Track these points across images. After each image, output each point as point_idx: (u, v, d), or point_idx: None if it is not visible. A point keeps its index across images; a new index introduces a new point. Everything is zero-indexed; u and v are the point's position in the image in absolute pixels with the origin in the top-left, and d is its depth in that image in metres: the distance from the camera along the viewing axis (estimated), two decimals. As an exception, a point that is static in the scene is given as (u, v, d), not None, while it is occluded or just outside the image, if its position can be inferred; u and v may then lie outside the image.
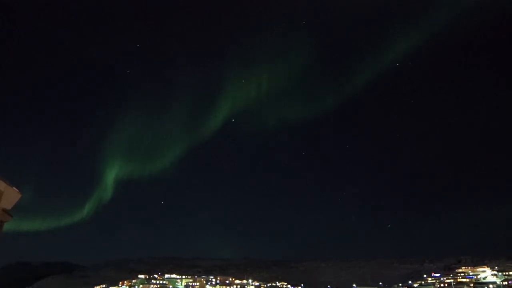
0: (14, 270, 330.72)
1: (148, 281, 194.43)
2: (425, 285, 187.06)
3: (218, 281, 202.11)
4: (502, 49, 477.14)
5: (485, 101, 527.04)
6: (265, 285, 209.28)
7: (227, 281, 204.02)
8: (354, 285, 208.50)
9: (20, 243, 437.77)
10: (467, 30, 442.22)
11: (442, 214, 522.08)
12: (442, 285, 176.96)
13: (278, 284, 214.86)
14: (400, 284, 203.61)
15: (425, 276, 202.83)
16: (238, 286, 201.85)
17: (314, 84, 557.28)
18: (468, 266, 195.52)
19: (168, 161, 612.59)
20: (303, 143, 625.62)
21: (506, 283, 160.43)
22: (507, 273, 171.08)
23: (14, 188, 9.71)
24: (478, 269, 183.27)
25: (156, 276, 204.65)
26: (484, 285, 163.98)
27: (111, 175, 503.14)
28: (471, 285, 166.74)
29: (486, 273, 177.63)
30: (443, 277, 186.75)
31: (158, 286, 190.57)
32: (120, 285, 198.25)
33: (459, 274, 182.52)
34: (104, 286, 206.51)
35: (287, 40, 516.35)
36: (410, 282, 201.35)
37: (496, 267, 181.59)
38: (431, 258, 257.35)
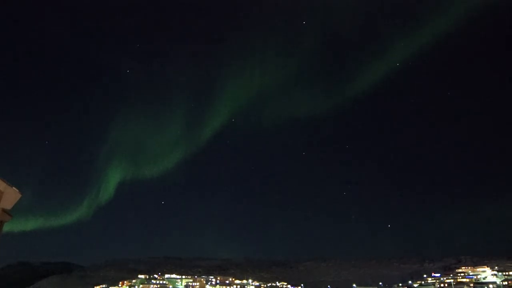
0: (14, 270, 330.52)
1: (148, 281, 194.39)
2: (425, 285, 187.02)
3: (218, 281, 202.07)
4: (504, 50, 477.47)
5: (484, 102, 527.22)
6: (265, 285, 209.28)
7: (227, 281, 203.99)
8: (354, 285, 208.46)
9: (20, 243, 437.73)
10: (469, 30, 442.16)
11: (442, 214, 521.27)
12: (442, 285, 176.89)
13: (278, 284, 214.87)
14: (400, 284, 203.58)
15: (425, 276, 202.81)
16: (238, 286, 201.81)
17: (314, 84, 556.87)
18: (468, 266, 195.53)
19: (168, 161, 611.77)
20: (303, 143, 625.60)
21: (506, 283, 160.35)
22: (507, 273, 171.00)
23: (14, 188, 9.70)
24: (478, 269, 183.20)
25: (156, 276, 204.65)
26: (484, 285, 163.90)
27: (112, 174, 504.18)
28: (471, 285, 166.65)
29: (486, 273, 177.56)
30: (443, 277, 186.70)
31: (158, 286, 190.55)
32: (120, 285, 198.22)
33: (459, 274, 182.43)
34: (104, 286, 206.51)
35: (287, 40, 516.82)
36: (410, 282, 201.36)
37: (496, 267, 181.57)
38: (431, 258, 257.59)
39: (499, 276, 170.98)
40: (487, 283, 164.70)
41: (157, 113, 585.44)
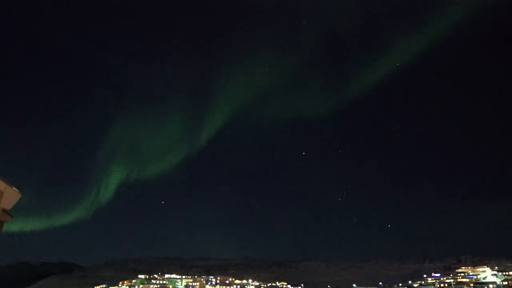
0: (14, 270, 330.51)
1: (148, 281, 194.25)
2: (425, 285, 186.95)
3: (218, 281, 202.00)
4: (504, 50, 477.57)
5: (484, 102, 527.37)
6: (265, 285, 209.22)
7: (227, 281, 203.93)
8: (354, 285, 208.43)
9: (20, 243, 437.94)
10: (469, 30, 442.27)
11: (442, 214, 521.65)
12: (442, 285, 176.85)
13: (278, 284, 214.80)
14: (400, 284, 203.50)
15: (425, 276, 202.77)
16: (238, 286, 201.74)
17: (314, 84, 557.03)
18: (468, 266, 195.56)
19: (168, 161, 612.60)
20: (303, 143, 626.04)
21: (506, 283, 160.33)
22: (507, 273, 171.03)
23: (14, 188, 9.68)
24: (478, 269, 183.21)
25: (156, 276, 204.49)
26: (484, 285, 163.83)
27: (112, 174, 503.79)
28: (471, 285, 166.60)
29: (486, 273, 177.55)
30: (443, 277, 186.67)
31: (158, 286, 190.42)
32: (120, 285, 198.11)
33: (459, 274, 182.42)
34: (104, 286, 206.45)
35: (287, 40, 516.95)
36: (410, 282, 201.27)
37: (496, 267, 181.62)
38: (431, 258, 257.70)
39: (499, 276, 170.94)
40: (487, 283, 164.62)
41: (157, 113, 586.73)
